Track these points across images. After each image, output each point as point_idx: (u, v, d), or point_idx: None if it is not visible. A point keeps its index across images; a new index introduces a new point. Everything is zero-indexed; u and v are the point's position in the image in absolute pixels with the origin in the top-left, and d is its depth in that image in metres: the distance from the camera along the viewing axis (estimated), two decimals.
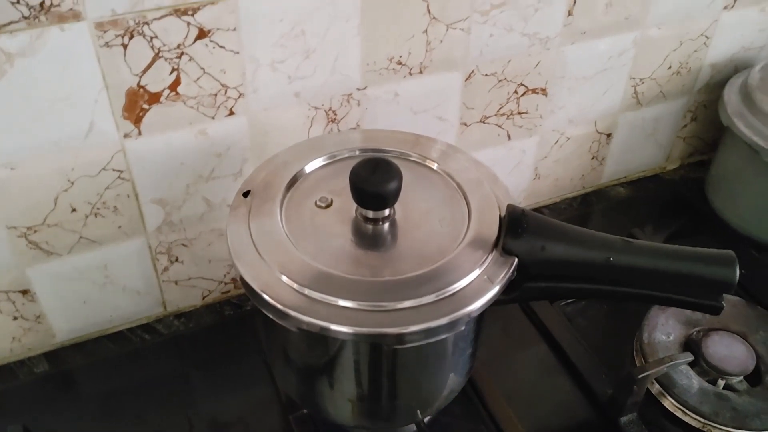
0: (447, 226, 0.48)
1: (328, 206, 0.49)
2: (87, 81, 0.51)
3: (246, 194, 0.49)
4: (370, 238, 0.47)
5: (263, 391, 0.61)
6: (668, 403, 0.59)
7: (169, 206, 0.60)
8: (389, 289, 0.43)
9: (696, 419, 0.58)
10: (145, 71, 0.52)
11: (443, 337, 0.44)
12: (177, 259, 0.65)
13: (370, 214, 0.47)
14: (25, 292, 0.60)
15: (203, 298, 0.69)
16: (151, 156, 0.57)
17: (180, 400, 0.60)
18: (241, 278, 0.44)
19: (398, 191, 0.46)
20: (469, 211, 0.48)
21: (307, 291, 0.43)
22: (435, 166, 0.52)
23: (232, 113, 0.57)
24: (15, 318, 0.61)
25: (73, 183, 0.55)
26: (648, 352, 0.61)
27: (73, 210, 0.57)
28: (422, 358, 0.47)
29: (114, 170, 0.56)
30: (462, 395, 0.60)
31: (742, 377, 0.60)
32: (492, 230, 0.47)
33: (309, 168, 0.52)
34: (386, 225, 0.48)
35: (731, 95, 0.75)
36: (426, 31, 0.60)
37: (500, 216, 0.48)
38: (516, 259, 0.45)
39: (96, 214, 0.58)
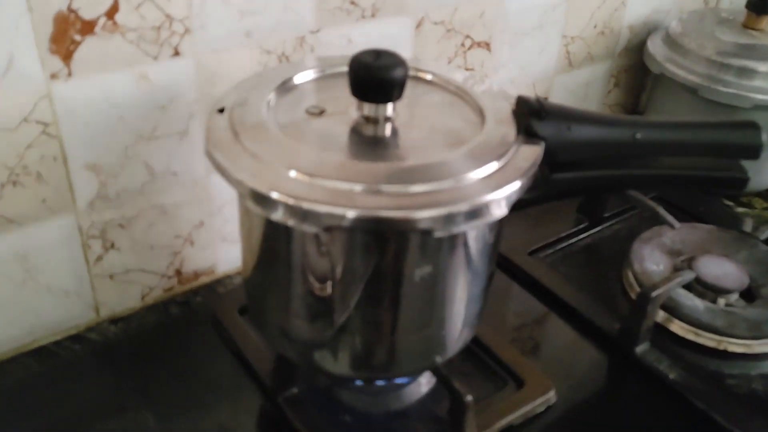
0: (458, 128, 0.43)
1: (321, 113, 0.42)
2: (4, 0, 0.42)
3: (221, 110, 0.42)
4: (372, 141, 0.41)
5: (234, 380, 0.52)
6: (678, 327, 0.56)
7: (104, 174, 0.51)
8: (413, 174, 0.37)
9: (711, 338, 0.55)
10: None
11: (477, 223, 0.38)
12: (113, 245, 0.54)
13: (373, 110, 0.41)
14: None
15: (143, 297, 0.58)
16: (84, 105, 0.48)
17: (133, 407, 0.49)
18: (237, 181, 0.36)
19: (405, 79, 0.40)
20: (481, 112, 0.44)
21: (321, 181, 0.36)
22: (430, 77, 0.48)
23: (177, 53, 0.50)
24: None
25: None
26: (644, 280, 0.58)
27: None
28: (443, 265, 0.41)
29: (38, 122, 0.46)
30: (471, 355, 0.54)
31: (738, 295, 0.58)
32: (509, 124, 0.42)
33: (294, 81, 0.45)
34: (389, 128, 0.42)
35: (656, 47, 0.78)
36: None
37: (513, 110, 0.43)
38: (543, 144, 0.41)
39: (14, 183, 0.47)
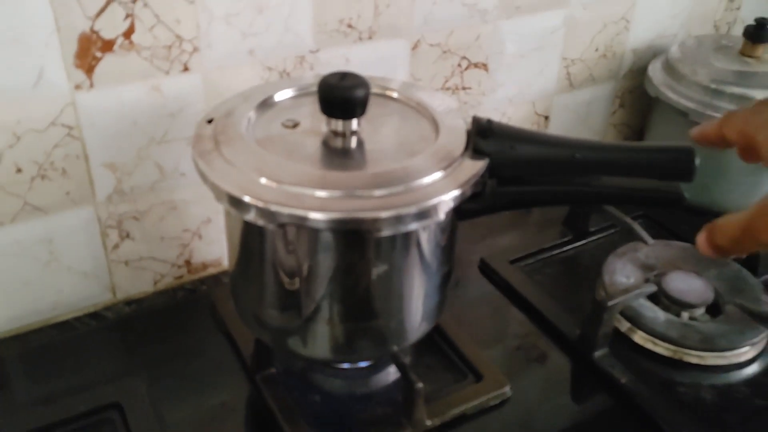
0: (415, 141, 0.48)
1: (295, 126, 0.49)
2: (37, 22, 0.50)
3: (210, 121, 0.48)
4: (339, 152, 0.47)
5: (224, 359, 0.58)
6: (638, 336, 0.60)
7: (119, 171, 0.58)
8: (364, 181, 0.43)
9: (666, 347, 0.58)
10: (98, 14, 0.51)
11: (422, 224, 0.44)
12: (128, 235, 0.62)
13: (340, 125, 0.47)
14: None
15: (155, 283, 0.66)
16: (103, 112, 0.55)
17: (135, 376, 0.56)
18: (214, 185, 0.43)
19: (366, 98, 0.46)
20: (437, 128, 0.49)
21: (286, 187, 0.42)
22: (396, 95, 0.53)
23: (186, 69, 0.57)
24: None
25: (19, 138, 0.53)
26: (611, 291, 0.62)
27: (19, 170, 0.54)
28: (397, 263, 0.46)
29: (63, 125, 0.54)
30: (435, 346, 0.59)
31: (703, 309, 0.62)
32: (460, 140, 0.47)
33: (276, 98, 0.52)
34: (354, 140, 0.48)
35: (655, 72, 0.81)
36: None
37: (467, 129, 0.49)
38: (487, 159, 0.46)
39: (43, 177, 0.55)
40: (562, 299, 0.64)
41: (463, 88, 0.74)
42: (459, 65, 0.72)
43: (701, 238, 0.40)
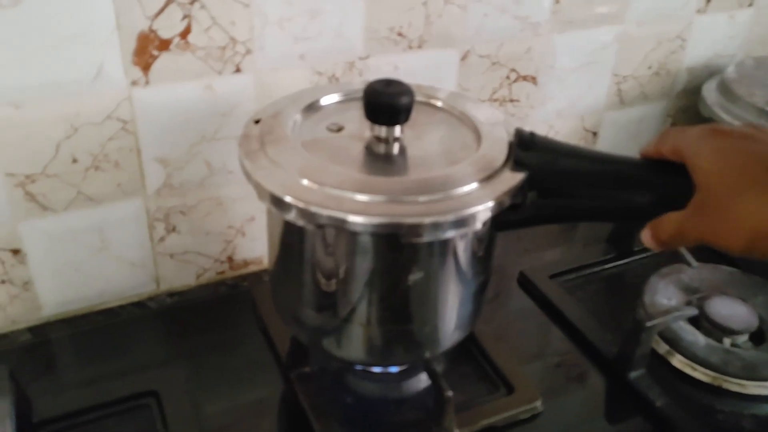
0: (456, 150, 0.49)
1: (339, 130, 0.49)
2: (100, 19, 0.52)
3: (257, 122, 0.49)
4: (381, 157, 0.48)
5: (261, 355, 0.59)
6: (676, 360, 0.59)
7: (170, 167, 0.60)
8: (404, 187, 0.43)
9: (706, 373, 0.57)
10: (157, 15, 0.53)
11: (459, 232, 0.44)
12: (174, 229, 0.63)
13: (383, 131, 0.47)
14: (16, 252, 0.58)
15: (197, 277, 0.67)
16: (157, 108, 0.57)
17: (174, 366, 0.58)
18: (258, 184, 0.44)
19: (410, 106, 0.46)
20: (479, 138, 0.49)
21: (327, 189, 0.42)
22: (440, 104, 0.54)
23: (238, 70, 0.58)
24: (2, 282, 0.58)
25: (76, 130, 0.55)
26: (651, 312, 0.61)
27: (75, 161, 0.56)
28: (433, 269, 0.47)
29: (119, 119, 0.56)
30: (469, 356, 0.59)
31: (746, 336, 0.60)
32: (501, 151, 0.47)
33: (322, 102, 0.53)
34: (397, 147, 0.48)
35: (710, 92, 0.79)
36: (425, 3, 0.63)
37: (509, 141, 0.49)
38: (526, 172, 0.46)
39: (97, 168, 0.57)
40: (601, 317, 0.64)
41: (511, 101, 0.74)
42: (508, 77, 0.72)
43: (646, 233, 0.45)
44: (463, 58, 0.68)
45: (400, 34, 0.64)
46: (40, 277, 0.60)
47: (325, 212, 0.41)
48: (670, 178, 0.44)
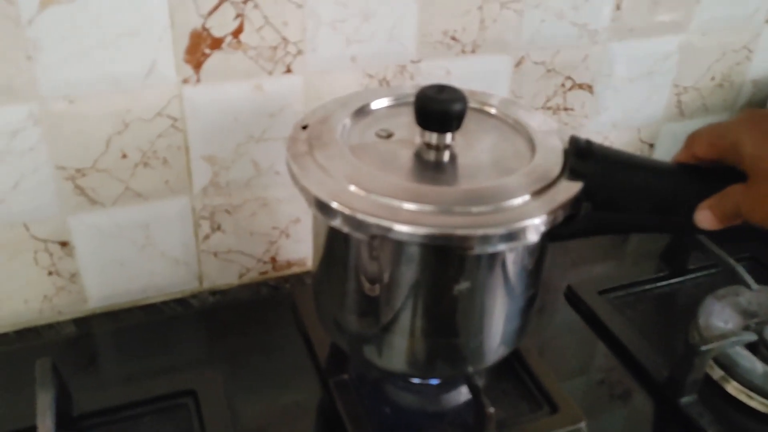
0: (509, 160, 0.47)
1: (389, 136, 0.48)
2: (154, 16, 0.52)
3: (305, 127, 0.49)
4: (431, 165, 0.46)
5: (300, 359, 0.58)
6: (731, 387, 0.56)
7: (217, 165, 0.60)
8: (454, 197, 0.42)
9: (763, 402, 0.54)
10: (211, 13, 0.53)
11: (510, 246, 0.43)
12: (219, 228, 0.63)
13: (434, 138, 0.46)
14: (64, 244, 0.58)
15: (240, 276, 0.67)
16: (207, 106, 0.57)
17: (213, 365, 0.57)
18: (304, 189, 0.43)
19: (463, 113, 0.45)
20: (533, 147, 0.48)
21: (375, 197, 0.41)
22: (493, 111, 0.52)
23: (289, 71, 0.58)
24: (50, 273, 0.59)
25: (127, 126, 0.55)
26: (706, 335, 0.58)
27: (124, 156, 0.56)
28: (480, 282, 0.45)
29: (169, 117, 0.56)
30: (512, 371, 0.57)
31: None
32: (556, 162, 0.46)
33: (372, 106, 0.52)
34: (447, 154, 0.47)
35: None
36: (481, 7, 0.62)
37: (564, 149, 0.47)
38: (582, 184, 0.44)
39: (145, 164, 0.57)
40: (651, 338, 0.61)
41: (565, 109, 0.72)
42: (563, 85, 0.70)
43: (703, 213, 0.43)
44: (518, 64, 0.67)
45: (453, 38, 0.62)
46: (87, 270, 0.60)
47: (372, 220, 0.40)
48: (716, 180, 0.43)
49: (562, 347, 0.62)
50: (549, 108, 0.71)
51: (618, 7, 0.68)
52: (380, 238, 0.43)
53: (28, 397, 0.47)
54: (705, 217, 0.43)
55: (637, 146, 0.79)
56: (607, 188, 0.45)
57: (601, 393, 0.57)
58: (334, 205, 0.42)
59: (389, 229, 0.40)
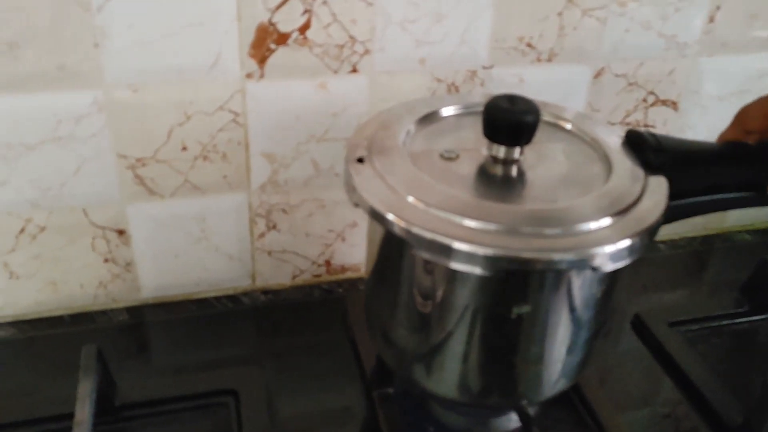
0: (582, 179, 0.44)
1: (454, 158, 0.45)
2: (221, 9, 0.51)
3: (360, 160, 0.46)
4: (497, 180, 0.44)
5: (346, 367, 0.57)
6: None
7: (277, 163, 0.59)
8: (519, 217, 0.39)
9: None
10: (278, 7, 0.52)
11: (578, 273, 0.40)
12: (275, 226, 0.62)
13: (502, 152, 0.44)
14: (121, 233, 0.58)
15: (293, 277, 0.66)
16: (269, 103, 0.56)
17: (257, 366, 0.56)
18: (360, 197, 0.41)
19: (535, 126, 0.42)
20: (610, 167, 0.44)
21: (433, 210, 0.39)
22: (569, 126, 0.49)
23: (355, 70, 0.56)
24: (106, 260, 0.60)
25: (189, 118, 0.55)
26: None
27: (184, 148, 0.56)
28: (542, 309, 0.42)
29: (230, 111, 0.55)
30: (567, 400, 0.54)
31: None
32: (635, 184, 0.43)
33: (438, 113, 0.49)
34: (515, 170, 0.44)
35: None
36: (561, 13, 0.59)
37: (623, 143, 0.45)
38: (664, 203, 0.41)
39: (205, 157, 0.57)
40: (726, 377, 0.56)
41: (646, 125, 0.68)
42: (645, 100, 0.66)
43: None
44: (596, 75, 0.63)
45: (529, 45, 0.59)
46: (142, 260, 0.61)
47: (428, 236, 0.38)
48: None
49: (624, 378, 0.58)
50: (628, 124, 0.67)
51: (711, 20, 0.63)
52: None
53: (74, 383, 0.47)
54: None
55: None
56: (681, 178, 0.43)
57: (662, 427, 0.53)
58: (389, 216, 0.40)
59: (446, 247, 0.38)
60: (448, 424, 0.52)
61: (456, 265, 0.39)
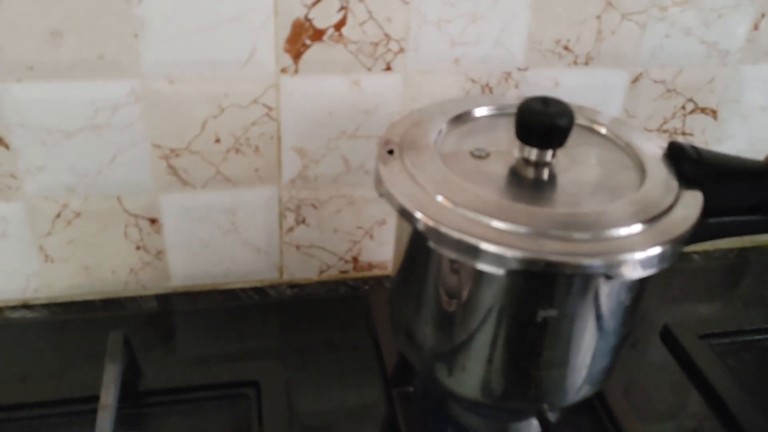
0: (615, 184, 0.43)
1: (485, 156, 0.45)
2: (258, 4, 0.51)
3: (390, 152, 0.46)
4: (528, 183, 0.43)
5: (367, 364, 0.57)
6: None
7: (307, 158, 0.59)
8: (549, 220, 0.39)
9: None
10: (315, 4, 0.52)
11: (607, 279, 0.39)
12: (304, 221, 0.63)
13: (534, 154, 0.43)
14: (153, 221, 0.59)
15: (320, 272, 0.66)
16: (302, 98, 0.56)
17: (280, 359, 0.57)
18: (389, 195, 0.41)
19: (569, 129, 0.42)
20: (644, 173, 0.43)
21: (462, 210, 0.39)
22: (603, 131, 0.48)
23: (389, 68, 0.56)
24: (138, 248, 0.61)
25: (223, 110, 0.55)
26: None
27: (217, 140, 0.57)
28: (568, 314, 0.42)
29: (264, 105, 0.56)
30: (590, 408, 0.53)
31: None
32: (668, 191, 0.42)
33: (471, 114, 0.49)
34: (547, 173, 0.44)
35: None
36: (599, 17, 0.58)
37: (665, 155, 0.43)
38: (699, 212, 0.40)
39: (237, 150, 0.57)
40: (756, 395, 0.55)
41: (683, 134, 0.66)
42: (683, 107, 0.65)
43: None
44: (634, 80, 0.62)
45: (566, 48, 0.59)
46: (173, 248, 0.62)
47: (456, 236, 0.38)
48: None
49: (649, 390, 0.57)
50: (665, 131, 0.66)
51: (756, 27, 0.62)
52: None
53: (102, 367, 0.48)
54: None
55: None
56: (721, 195, 0.41)
57: None
58: (417, 215, 0.39)
59: (474, 247, 0.38)
60: (467, 426, 0.52)
61: (482, 266, 0.39)
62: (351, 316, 0.63)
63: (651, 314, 0.63)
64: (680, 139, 0.66)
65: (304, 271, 0.66)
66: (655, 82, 0.63)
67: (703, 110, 0.65)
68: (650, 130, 0.65)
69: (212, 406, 0.52)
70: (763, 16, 0.61)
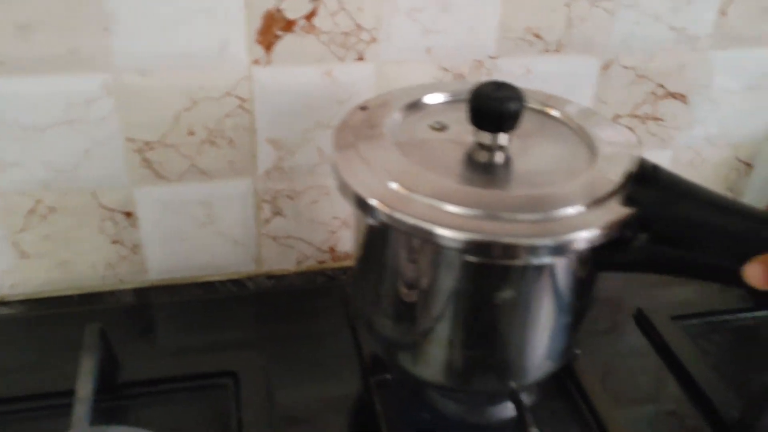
0: (566, 169, 0.44)
1: (442, 129, 0.46)
2: None
3: (363, 108, 0.47)
4: (481, 167, 0.44)
5: (345, 354, 0.57)
6: None
7: (283, 150, 0.59)
8: (501, 203, 0.39)
9: None
10: None
11: (554, 259, 0.40)
12: (280, 212, 0.63)
13: (487, 138, 0.44)
14: (128, 215, 0.59)
15: (298, 263, 0.67)
16: (275, 89, 0.56)
17: (258, 349, 0.57)
18: (343, 182, 0.42)
19: (519, 113, 0.42)
20: (595, 159, 0.44)
21: (416, 196, 0.39)
22: (558, 115, 0.49)
23: (361, 58, 0.57)
24: (114, 242, 0.61)
25: (196, 103, 0.55)
26: None
27: (191, 133, 0.57)
28: (523, 294, 0.43)
29: (237, 97, 0.56)
30: (565, 392, 0.54)
31: None
32: (615, 178, 0.42)
33: (429, 100, 0.50)
34: (501, 156, 0.44)
35: None
36: (569, 4, 0.58)
37: (626, 171, 0.43)
38: (635, 211, 0.40)
39: (211, 142, 0.57)
40: (726, 373, 0.56)
41: (655, 119, 0.67)
42: (653, 93, 0.65)
43: (755, 268, 0.37)
44: (605, 67, 0.63)
45: (536, 36, 0.59)
46: (149, 242, 0.62)
47: (410, 221, 0.38)
48: None
49: (624, 372, 0.58)
50: (636, 116, 0.66)
51: (723, 13, 0.62)
52: (419, 240, 0.41)
53: (78, 360, 0.48)
54: (754, 273, 0.37)
55: (733, 165, 0.73)
56: (664, 221, 0.40)
57: (659, 425, 0.53)
58: (372, 202, 0.40)
59: (427, 232, 0.38)
60: (444, 412, 0.53)
61: (437, 250, 0.39)
62: (329, 305, 0.63)
63: (625, 299, 0.64)
64: (651, 124, 0.67)
65: (281, 262, 0.66)
66: (626, 68, 0.63)
67: (673, 96, 0.66)
68: (622, 116, 0.66)
69: (190, 396, 0.52)
70: (731, 1, 0.62)
